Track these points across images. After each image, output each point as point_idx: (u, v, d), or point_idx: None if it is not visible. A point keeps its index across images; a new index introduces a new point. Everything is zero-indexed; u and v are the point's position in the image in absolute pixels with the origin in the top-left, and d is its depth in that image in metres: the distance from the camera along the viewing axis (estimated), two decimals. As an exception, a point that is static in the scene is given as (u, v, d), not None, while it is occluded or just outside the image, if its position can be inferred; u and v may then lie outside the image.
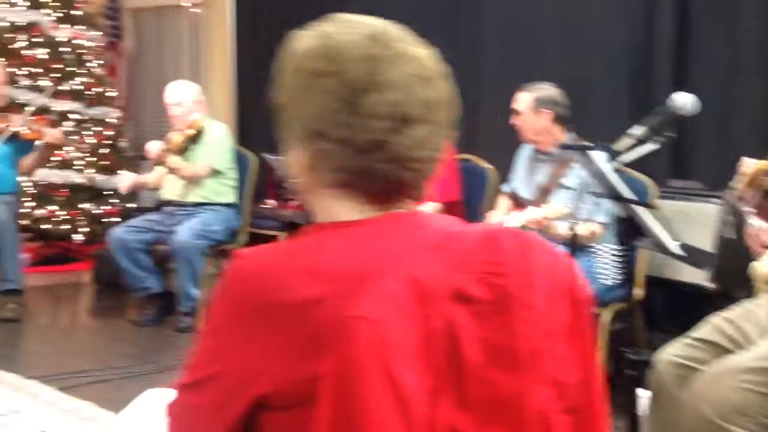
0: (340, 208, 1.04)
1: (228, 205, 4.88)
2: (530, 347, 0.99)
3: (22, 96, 6.11)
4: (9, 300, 4.66)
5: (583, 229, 3.29)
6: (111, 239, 4.67)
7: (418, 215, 1.06)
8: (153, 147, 4.70)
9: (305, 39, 1.05)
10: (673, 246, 2.44)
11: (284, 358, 0.91)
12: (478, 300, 0.97)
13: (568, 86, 3.77)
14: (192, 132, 4.77)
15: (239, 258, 0.98)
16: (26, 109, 4.93)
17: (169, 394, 1.04)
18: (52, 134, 4.72)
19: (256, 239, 5.27)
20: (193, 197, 4.79)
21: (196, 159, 4.78)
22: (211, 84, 6.97)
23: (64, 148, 6.12)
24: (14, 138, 4.73)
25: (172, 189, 4.87)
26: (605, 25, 4.46)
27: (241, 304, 0.95)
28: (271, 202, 5.74)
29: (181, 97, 4.83)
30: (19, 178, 5.03)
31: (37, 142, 4.85)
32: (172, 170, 4.79)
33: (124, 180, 5.03)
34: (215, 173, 4.80)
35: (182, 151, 4.81)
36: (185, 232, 4.55)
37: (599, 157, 2.50)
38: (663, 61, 4.20)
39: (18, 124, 4.70)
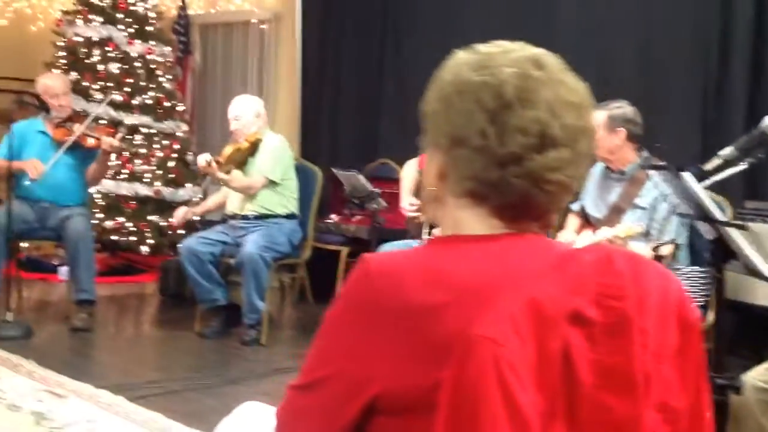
0: (468, 220, 1.04)
1: (289, 216, 4.90)
2: (643, 370, 0.97)
3: (94, 109, 6.28)
4: (81, 310, 4.74)
5: (665, 250, 3.22)
6: (182, 249, 4.73)
7: (542, 238, 1.06)
8: (201, 159, 4.75)
9: (464, 54, 1.07)
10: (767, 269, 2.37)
11: (402, 362, 0.91)
12: (593, 322, 0.96)
13: (642, 104, 3.71)
14: (245, 144, 4.80)
15: (365, 261, 0.99)
16: (88, 118, 5.02)
17: (266, 408, 1.04)
18: (109, 142, 4.79)
19: (319, 254, 5.30)
20: (253, 209, 4.82)
21: (252, 171, 4.82)
22: (277, 99, 7.06)
23: (135, 161, 6.26)
24: (76, 147, 4.83)
25: (233, 202, 4.92)
26: (679, 44, 4.39)
27: (361, 306, 0.96)
28: (334, 217, 5.76)
29: (240, 111, 4.88)
30: (90, 190, 5.14)
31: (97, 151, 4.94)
32: (222, 182, 4.84)
33: (178, 214, 5.09)
34: (271, 184, 4.81)
35: (241, 163, 4.85)
36: (251, 245, 4.58)
37: (689, 177, 2.45)
38: (737, 81, 4.12)
39: (77, 133, 4.79)
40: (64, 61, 6.47)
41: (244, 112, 4.86)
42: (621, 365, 0.96)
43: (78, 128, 4.81)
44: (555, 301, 0.94)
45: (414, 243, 4.31)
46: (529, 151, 0.99)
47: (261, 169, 4.78)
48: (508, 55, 1.04)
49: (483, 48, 1.07)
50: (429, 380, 0.89)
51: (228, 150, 4.81)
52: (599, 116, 3.59)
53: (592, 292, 0.97)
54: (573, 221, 3.88)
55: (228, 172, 4.77)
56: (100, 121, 6.24)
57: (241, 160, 4.83)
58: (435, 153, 1.07)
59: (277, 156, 4.82)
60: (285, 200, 4.87)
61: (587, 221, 3.79)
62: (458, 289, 0.92)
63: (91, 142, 4.79)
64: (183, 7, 7.27)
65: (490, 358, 0.87)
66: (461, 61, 1.06)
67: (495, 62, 1.02)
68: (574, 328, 0.94)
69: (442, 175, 1.06)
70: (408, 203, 4.50)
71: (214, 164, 4.64)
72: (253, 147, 4.82)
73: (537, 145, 0.99)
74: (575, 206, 3.92)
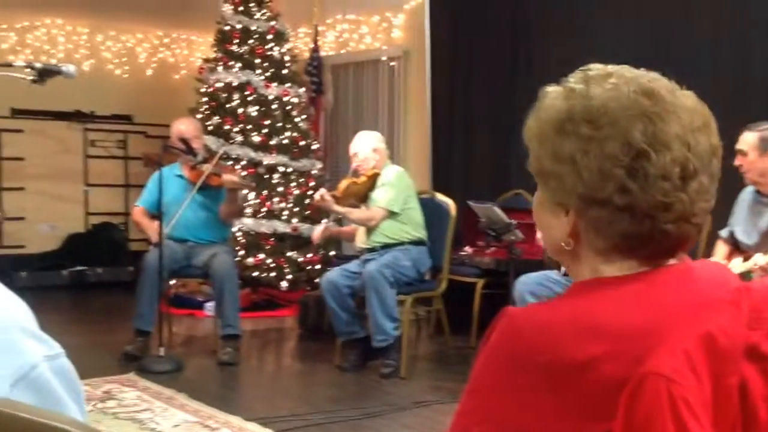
0: (610, 272, 0.99)
1: (415, 242, 4.91)
2: None
3: (235, 151, 6.56)
4: (228, 344, 4.93)
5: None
6: (323, 282, 4.84)
7: (687, 265, 1.01)
8: (318, 195, 4.84)
9: (566, 101, 1.00)
10: None
11: (560, 420, 0.88)
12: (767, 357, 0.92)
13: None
14: (362, 179, 4.89)
15: (510, 316, 0.96)
16: (214, 158, 5.22)
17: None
18: (230, 179, 4.96)
19: (454, 286, 5.29)
20: (378, 240, 4.88)
21: (371, 204, 4.89)
22: (407, 134, 7.15)
23: (273, 199, 6.48)
24: (206, 187, 5.04)
25: (360, 237, 5.01)
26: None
27: (514, 364, 0.93)
28: (468, 249, 5.74)
29: (359, 147, 4.97)
30: (233, 229, 5.35)
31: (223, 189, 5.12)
32: (339, 215, 4.93)
33: (317, 230, 5.22)
34: (392, 215, 4.84)
35: (362, 198, 4.94)
36: (372, 265, 4.67)
37: None
38: None
39: (205, 173, 4.99)
40: (206, 107, 6.79)
41: (362, 148, 4.95)
42: None
43: (206, 168, 5.02)
44: (730, 335, 0.90)
45: (552, 274, 4.24)
46: (675, 193, 0.94)
47: (380, 201, 4.85)
48: (617, 93, 0.96)
49: (581, 87, 0.99)
50: None
51: (344, 183, 4.94)
52: (749, 138, 3.45)
53: (766, 326, 0.93)
54: (722, 248, 3.72)
55: (352, 206, 4.89)
56: (242, 163, 6.51)
57: (361, 194, 4.93)
58: (559, 211, 1.01)
59: (396, 187, 4.87)
60: (409, 228, 4.90)
61: (737, 248, 3.63)
62: (616, 337, 0.89)
63: (216, 180, 5.00)
64: (315, 50, 7.50)
65: (665, 396, 0.84)
66: (568, 110, 0.98)
67: (609, 109, 0.95)
68: (750, 363, 0.90)
69: (575, 235, 1.00)
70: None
71: (328, 197, 4.75)
72: (372, 181, 4.90)
73: (680, 185, 0.94)
74: (724, 233, 3.76)
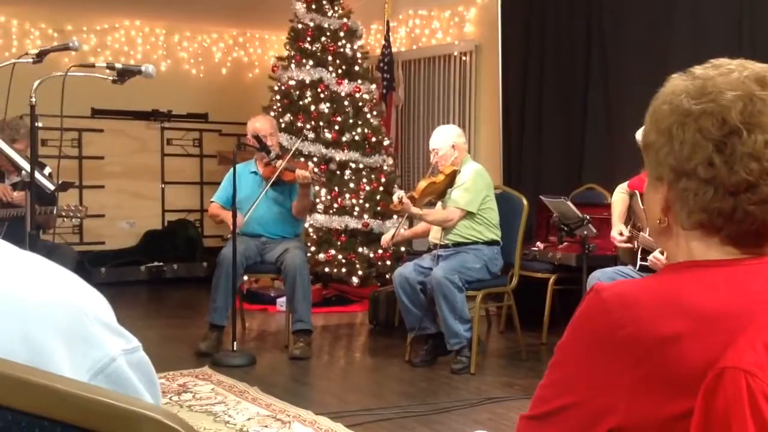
0: (699, 249, 1.01)
1: (489, 243, 4.88)
2: None
3: (307, 148, 6.63)
4: (299, 339, 4.98)
5: None
6: (395, 276, 4.85)
7: None
8: (394, 198, 4.82)
9: (681, 80, 1.04)
10: None
11: (642, 394, 0.89)
12: None
13: None
14: (440, 177, 4.85)
15: (599, 291, 0.98)
16: (288, 154, 5.27)
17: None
18: (301, 174, 4.99)
19: (525, 282, 5.24)
20: (452, 238, 4.85)
21: (449, 203, 4.86)
22: (479, 128, 7.12)
23: (345, 195, 6.53)
24: (279, 183, 5.10)
25: (434, 232, 4.99)
26: None
27: (598, 337, 0.95)
28: (540, 245, 5.68)
29: (438, 143, 4.93)
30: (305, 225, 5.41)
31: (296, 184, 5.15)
32: (417, 217, 4.90)
33: (387, 235, 5.23)
34: (469, 215, 4.81)
35: (440, 195, 4.91)
36: (439, 269, 4.64)
37: None
38: None
39: (279, 169, 5.04)
40: (279, 104, 6.88)
41: (442, 145, 4.92)
42: None
43: (280, 164, 5.08)
44: None
45: (626, 269, 4.16)
46: (763, 176, 0.95)
47: (458, 201, 4.81)
48: (729, 76, 0.99)
49: (700, 71, 1.02)
50: (673, 412, 0.87)
51: (422, 184, 4.89)
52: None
53: None
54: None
55: (431, 204, 4.85)
56: (314, 159, 6.58)
57: (439, 192, 4.90)
58: (658, 186, 1.04)
59: (474, 187, 4.82)
60: (484, 228, 4.86)
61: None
62: (701, 317, 0.90)
63: (288, 175, 5.05)
64: (387, 46, 7.52)
65: (744, 390, 0.84)
66: (678, 88, 1.02)
67: (715, 87, 0.98)
68: None
69: (667, 209, 1.03)
70: (617, 232, 4.33)
71: (406, 200, 4.71)
72: (450, 179, 4.86)
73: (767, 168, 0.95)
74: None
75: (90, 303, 0.71)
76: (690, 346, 0.88)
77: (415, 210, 4.80)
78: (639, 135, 3.65)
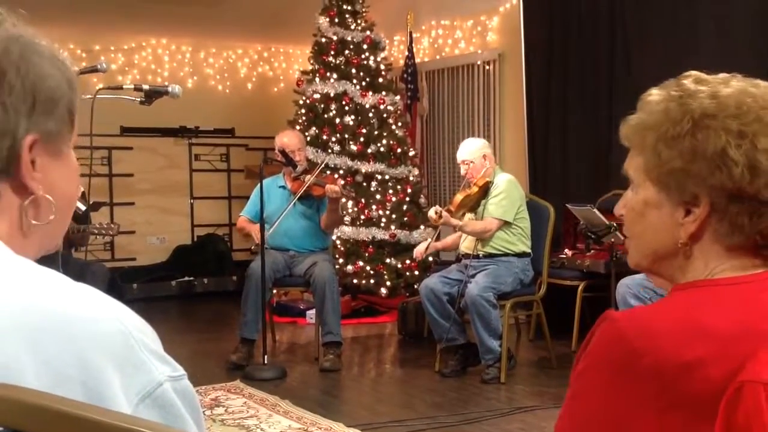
0: (725, 268, 1.00)
1: (520, 255, 4.89)
2: None
3: (333, 161, 6.67)
4: (329, 351, 5.01)
5: None
6: (422, 288, 4.88)
7: None
8: (431, 212, 4.84)
9: (685, 101, 1.01)
10: None
11: (672, 421, 0.89)
12: None
13: None
14: (475, 189, 4.86)
15: (615, 320, 0.95)
16: (316, 168, 5.31)
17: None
18: (332, 189, 5.03)
19: (554, 290, 5.23)
20: (485, 249, 4.87)
21: (485, 214, 4.87)
22: (504, 137, 7.11)
23: (371, 207, 6.55)
24: (307, 197, 5.13)
25: (466, 242, 5.00)
26: None
27: (617, 368, 0.93)
28: (567, 252, 5.66)
29: (469, 155, 4.95)
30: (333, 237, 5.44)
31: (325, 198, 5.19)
32: (457, 229, 4.92)
33: (420, 247, 5.25)
34: (505, 225, 4.84)
35: (474, 207, 4.93)
36: (474, 286, 4.66)
37: None
38: None
39: (306, 183, 5.08)
40: (304, 118, 6.93)
41: (474, 156, 4.93)
42: None
43: (308, 179, 5.12)
44: None
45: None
46: None
47: (494, 212, 4.83)
48: (746, 92, 0.97)
49: (708, 90, 0.99)
50: None
51: (459, 197, 4.92)
52: None
53: None
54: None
55: (463, 216, 4.88)
56: (340, 171, 6.61)
57: (473, 204, 4.92)
58: (680, 212, 1.01)
59: (509, 197, 4.86)
60: (517, 239, 4.88)
61: None
62: (721, 339, 0.89)
63: (318, 190, 5.09)
64: (410, 57, 7.55)
65: (763, 402, 0.84)
66: (712, 110, 0.98)
67: (749, 105, 0.96)
68: None
69: (696, 234, 1.00)
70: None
71: (445, 214, 4.75)
72: (484, 190, 4.88)
73: None
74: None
75: (138, 330, 0.75)
76: (713, 368, 0.88)
77: (455, 221, 4.84)
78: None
